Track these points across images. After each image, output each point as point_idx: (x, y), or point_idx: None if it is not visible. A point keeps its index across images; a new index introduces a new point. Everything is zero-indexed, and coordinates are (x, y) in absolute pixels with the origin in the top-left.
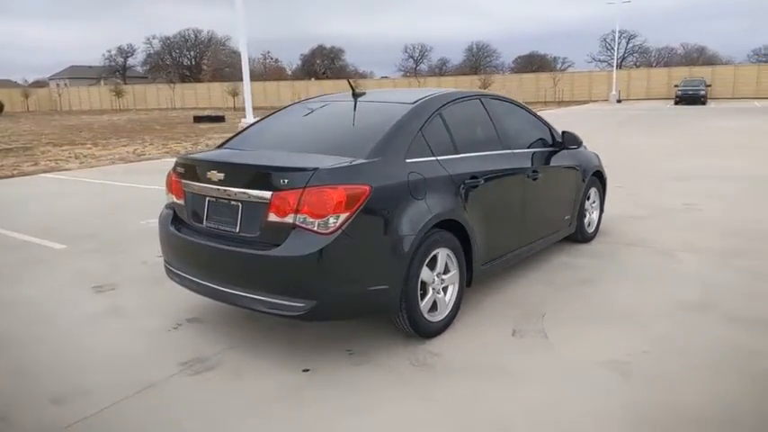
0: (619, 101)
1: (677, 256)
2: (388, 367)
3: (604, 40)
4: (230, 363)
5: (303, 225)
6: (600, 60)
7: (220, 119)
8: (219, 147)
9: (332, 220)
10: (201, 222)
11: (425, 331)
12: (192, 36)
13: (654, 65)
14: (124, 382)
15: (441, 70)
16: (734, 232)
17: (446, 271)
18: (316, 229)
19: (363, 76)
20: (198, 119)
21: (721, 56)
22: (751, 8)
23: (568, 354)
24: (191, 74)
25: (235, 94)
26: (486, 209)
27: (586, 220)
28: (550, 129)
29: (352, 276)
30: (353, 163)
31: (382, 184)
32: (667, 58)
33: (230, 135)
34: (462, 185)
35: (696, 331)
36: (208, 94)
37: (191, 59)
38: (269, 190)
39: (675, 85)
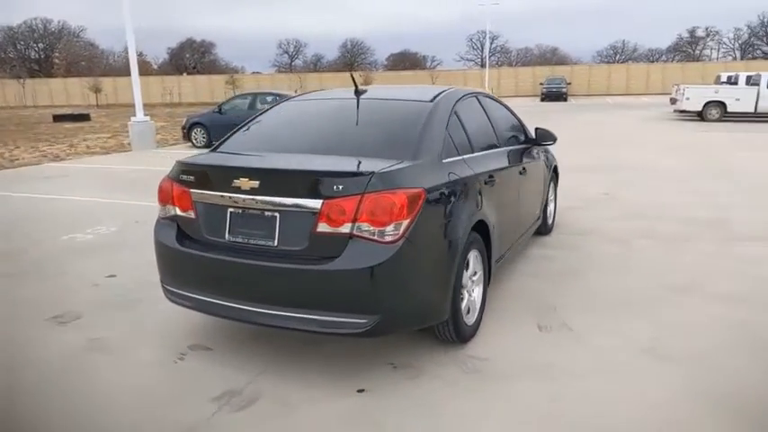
0: None
1: (634, 243)
2: (442, 378)
3: (471, 39)
4: (270, 391)
5: (363, 234)
6: (468, 59)
7: (85, 117)
8: (214, 150)
9: (394, 227)
10: (222, 237)
11: (464, 336)
12: (41, 27)
13: (513, 64)
14: (161, 429)
15: (316, 66)
16: (668, 218)
17: (474, 272)
18: (377, 237)
19: (235, 70)
20: (58, 118)
21: (572, 56)
22: (598, 10)
23: (602, 345)
24: (40, 68)
25: (97, 90)
26: (495, 206)
27: (548, 213)
28: (523, 125)
29: (415, 286)
30: (405, 165)
31: (431, 186)
32: (525, 59)
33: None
34: (481, 184)
35: (697, 312)
36: (64, 91)
37: (39, 52)
38: (318, 198)
39: (541, 83)
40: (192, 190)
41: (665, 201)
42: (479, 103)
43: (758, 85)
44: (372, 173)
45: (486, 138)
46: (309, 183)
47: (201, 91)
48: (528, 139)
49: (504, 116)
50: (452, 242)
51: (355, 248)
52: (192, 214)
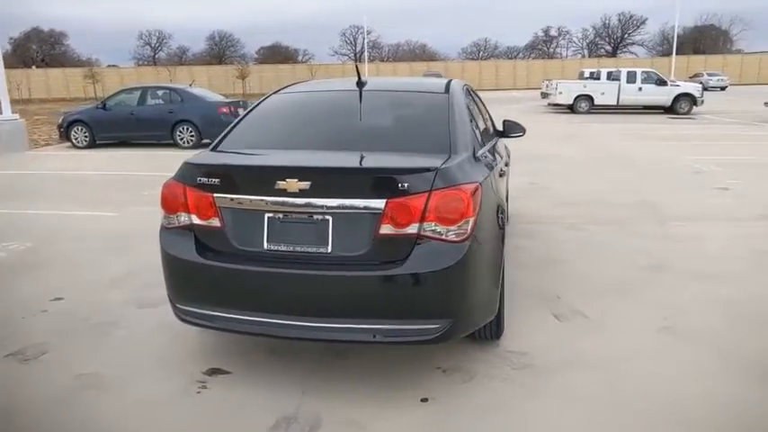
0: None
1: (589, 229)
2: (496, 377)
3: (344, 34)
4: (328, 412)
5: (432, 235)
6: (342, 54)
7: None
8: (216, 149)
9: (463, 225)
10: (260, 246)
11: (501, 331)
12: None
13: (385, 60)
14: None
15: (181, 59)
16: (600, 204)
17: None
18: (446, 237)
19: (90, 63)
20: None
21: (440, 53)
22: (461, 8)
23: (621, 328)
24: None
25: None
26: (500, 199)
27: (508, 204)
28: (491, 116)
29: (480, 284)
30: (458, 160)
31: (481, 180)
32: (396, 55)
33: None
34: (498, 176)
35: (683, 290)
36: None
37: None
38: (381, 197)
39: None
40: (216, 195)
41: (588, 188)
42: (471, 94)
43: (619, 80)
44: (437, 168)
45: (483, 130)
46: (370, 182)
47: (56, 86)
48: (496, 131)
49: (482, 108)
50: (499, 236)
51: (424, 250)
52: (216, 222)
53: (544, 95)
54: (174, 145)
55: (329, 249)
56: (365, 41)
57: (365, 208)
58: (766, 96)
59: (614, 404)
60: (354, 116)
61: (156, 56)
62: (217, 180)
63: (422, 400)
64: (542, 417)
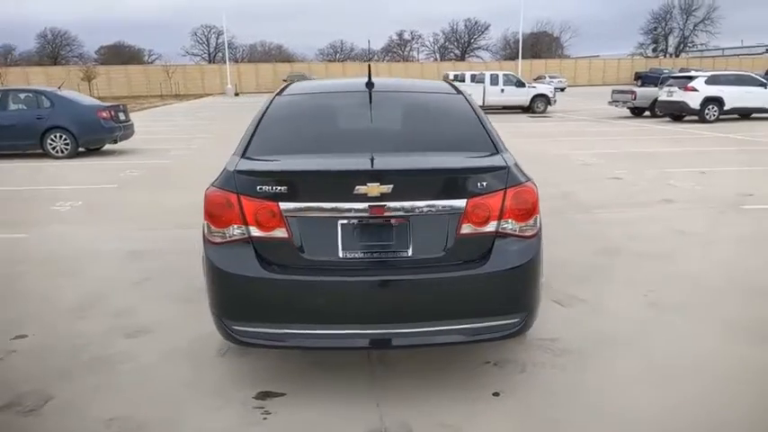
0: (236, 94)
1: None
2: (546, 365)
3: (195, 33)
4: (417, 419)
5: (510, 232)
6: (194, 54)
7: None
8: (246, 157)
9: (534, 221)
10: (335, 254)
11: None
12: None
13: (239, 61)
14: None
15: (6, 59)
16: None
17: None
18: (520, 233)
19: None
20: None
21: (297, 54)
22: (317, 11)
23: (619, 307)
24: None
25: None
26: None
27: None
28: None
29: (540, 277)
30: (513, 159)
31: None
32: (251, 56)
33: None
34: None
35: (647, 270)
36: None
37: None
38: (462, 197)
39: (284, 80)
40: (282, 203)
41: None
42: None
43: (483, 82)
44: (508, 167)
45: None
46: (451, 182)
47: None
48: None
49: None
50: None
51: (504, 247)
52: (282, 233)
53: None
54: (45, 155)
55: (410, 252)
56: (225, 41)
57: (447, 208)
58: (600, 96)
59: (653, 368)
60: (382, 117)
61: None
62: (283, 188)
63: (493, 394)
64: (607, 392)
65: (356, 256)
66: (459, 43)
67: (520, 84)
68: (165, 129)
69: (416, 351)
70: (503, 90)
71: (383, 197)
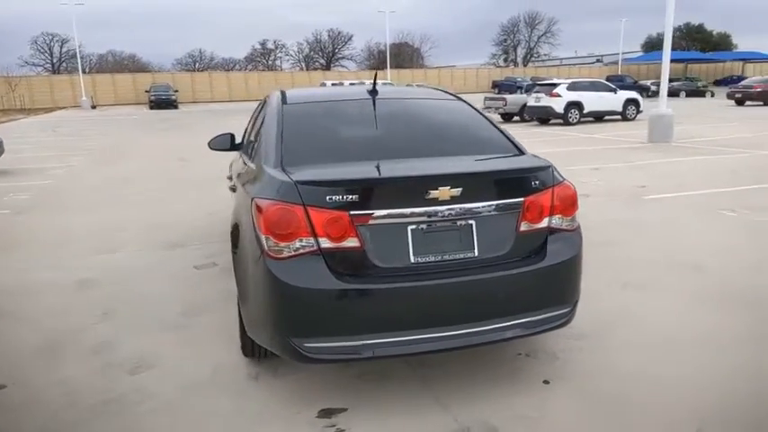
0: (93, 107)
1: None
2: (573, 350)
3: (35, 41)
4: (491, 416)
5: (559, 227)
6: (35, 64)
7: None
8: (282, 167)
9: (575, 215)
10: (406, 260)
11: None
12: None
13: (87, 71)
14: None
15: None
16: None
17: None
18: (567, 227)
19: None
20: None
21: (153, 63)
22: (171, 20)
23: (603, 292)
24: None
25: None
26: None
27: None
28: None
29: None
30: (545, 158)
31: None
32: (101, 65)
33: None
34: None
35: (607, 254)
36: None
37: None
38: (520, 196)
39: (147, 91)
40: (353, 212)
41: None
42: None
43: None
44: (551, 166)
45: None
46: (510, 182)
47: None
48: None
49: None
50: None
51: (556, 241)
52: (354, 242)
53: None
54: None
55: (476, 253)
56: (78, 50)
57: (507, 207)
58: (477, 102)
59: (656, 337)
60: (402, 124)
61: None
62: (354, 196)
63: (544, 382)
64: (636, 362)
65: (427, 260)
66: (324, 53)
67: None
68: (28, 147)
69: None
70: None
71: (454, 200)
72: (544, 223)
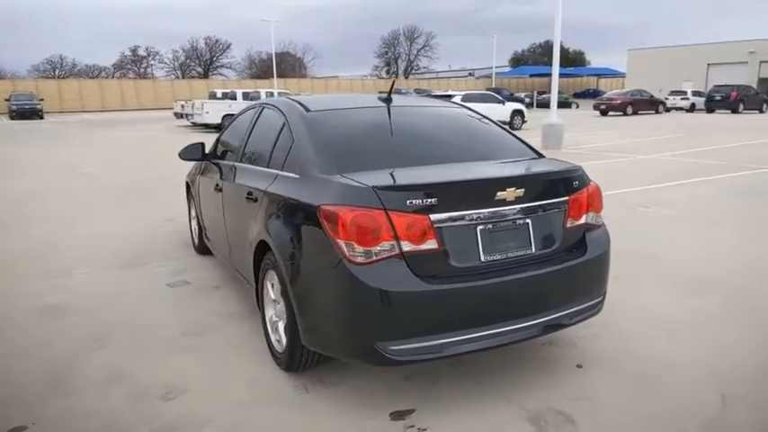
0: None
1: None
2: (589, 337)
3: None
4: (562, 405)
5: (593, 222)
6: None
7: None
8: (339, 173)
9: (601, 212)
10: (477, 260)
11: None
12: None
13: None
14: None
15: None
16: None
17: None
18: (598, 223)
19: None
20: None
21: (4, 70)
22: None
23: None
24: None
25: None
26: None
27: None
28: None
29: None
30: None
31: None
32: None
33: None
34: None
35: None
36: None
37: None
38: (565, 195)
39: (7, 99)
40: (433, 215)
41: None
42: None
43: (258, 99)
44: (582, 168)
45: None
46: (558, 183)
47: None
48: None
49: None
50: None
51: (592, 236)
52: (433, 244)
53: (180, 116)
54: None
55: (533, 249)
56: None
57: (557, 206)
58: None
59: (658, 316)
60: (427, 131)
61: None
62: (433, 199)
63: (578, 366)
64: (651, 340)
65: (495, 258)
66: (201, 61)
67: None
68: None
69: None
70: None
71: (518, 200)
72: (583, 220)
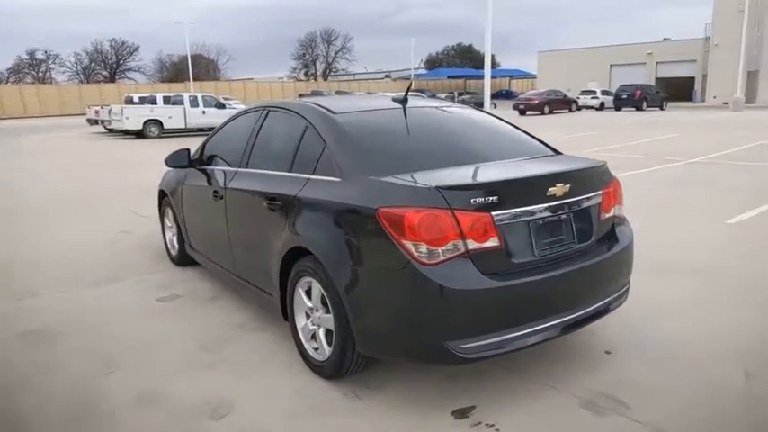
0: None
1: None
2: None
3: None
4: (600, 388)
5: (618, 214)
6: None
7: None
8: (392, 174)
9: (622, 204)
10: (531, 255)
11: None
12: None
13: None
14: None
15: None
16: None
17: None
18: (620, 214)
19: None
20: None
21: None
22: None
23: None
24: None
25: None
26: None
27: None
28: None
29: None
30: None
31: None
32: None
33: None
34: None
35: None
36: None
37: None
38: (599, 190)
39: None
40: (494, 213)
41: None
42: None
43: (182, 104)
44: (606, 162)
45: None
46: (594, 178)
47: None
48: None
49: None
50: None
51: (619, 227)
52: (495, 241)
53: (93, 122)
54: None
55: (576, 242)
56: None
57: (593, 200)
58: None
59: (666, 300)
60: (454, 131)
61: None
62: (494, 197)
63: (606, 352)
64: (665, 322)
65: (544, 252)
66: (107, 64)
67: (220, 105)
68: None
69: None
70: (204, 111)
71: (565, 195)
72: (612, 212)
